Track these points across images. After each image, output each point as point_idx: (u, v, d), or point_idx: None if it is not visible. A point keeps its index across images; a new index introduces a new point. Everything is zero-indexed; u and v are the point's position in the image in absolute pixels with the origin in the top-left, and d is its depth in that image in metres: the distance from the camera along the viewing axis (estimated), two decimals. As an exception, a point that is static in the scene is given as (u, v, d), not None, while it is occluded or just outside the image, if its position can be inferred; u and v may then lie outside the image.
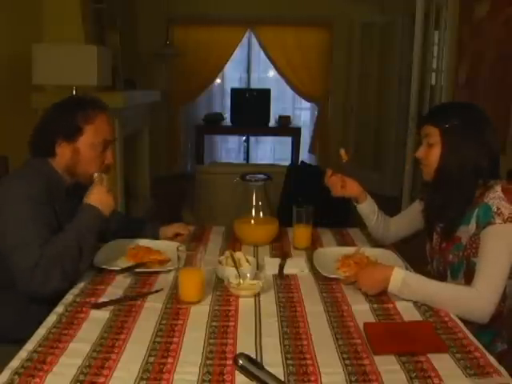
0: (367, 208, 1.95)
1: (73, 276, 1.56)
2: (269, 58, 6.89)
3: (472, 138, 1.58)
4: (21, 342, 1.23)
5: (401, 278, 1.49)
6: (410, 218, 1.92)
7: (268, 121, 6.71)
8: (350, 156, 1.97)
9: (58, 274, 1.51)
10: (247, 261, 1.65)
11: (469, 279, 1.55)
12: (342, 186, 1.93)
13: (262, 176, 2.04)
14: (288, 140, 6.85)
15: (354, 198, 1.95)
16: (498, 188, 1.55)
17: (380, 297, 1.51)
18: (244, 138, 7.45)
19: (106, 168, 1.76)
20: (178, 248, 1.51)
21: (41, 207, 1.59)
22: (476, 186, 1.59)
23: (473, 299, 1.45)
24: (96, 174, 1.69)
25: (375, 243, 2.01)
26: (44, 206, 1.60)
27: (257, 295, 1.52)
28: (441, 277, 1.70)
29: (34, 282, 1.49)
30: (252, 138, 7.50)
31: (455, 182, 1.60)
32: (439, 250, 1.72)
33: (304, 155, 6.92)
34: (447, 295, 1.48)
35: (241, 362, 1.11)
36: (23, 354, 1.17)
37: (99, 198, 1.65)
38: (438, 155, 1.62)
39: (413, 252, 1.95)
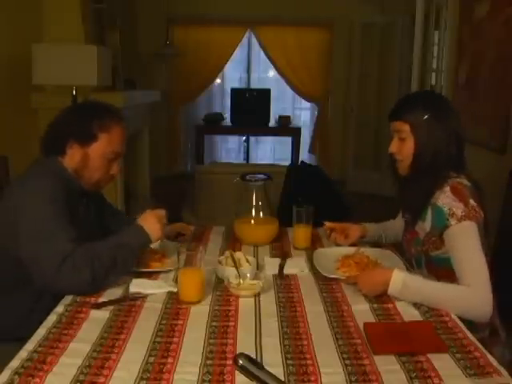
0: (374, 237, 2.00)
1: (101, 282, 1.51)
2: (269, 58, 6.89)
3: (441, 127, 1.63)
4: (23, 341, 1.23)
5: (401, 280, 1.49)
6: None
7: (268, 121, 6.71)
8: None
9: (87, 274, 1.45)
10: (247, 261, 1.65)
11: (430, 269, 1.68)
12: (345, 236, 1.96)
13: (262, 176, 2.04)
14: (288, 140, 6.85)
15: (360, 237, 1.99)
16: (447, 189, 1.59)
17: (380, 297, 1.51)
18: (244, 138, 7.45)
19: (110, 178, 1.76)
20: (178, 248, 1.51)
21: (61, 206, 1.56)
22: (448, 175, 1.62)
23: (473, 298, 1.46)
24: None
25: (375, 243, 2.01)
26: (64, 206, 1.57)
27: (257, 295, 1.52)
28: (411, 266, 1.77)
29: (61, 277, 1.44)
30: (252, 138, 7.50)
31: (431, 173, 1.63)
32: (405, 241, 1.80)
33: (304, 155, 6.92)
34: (447, 295, 1.48)
35: (241, 362, 1.11)
36: (23, 353, 1.17)
37: (153, 224, 1.62)
38: (411, 148, 1.66)
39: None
